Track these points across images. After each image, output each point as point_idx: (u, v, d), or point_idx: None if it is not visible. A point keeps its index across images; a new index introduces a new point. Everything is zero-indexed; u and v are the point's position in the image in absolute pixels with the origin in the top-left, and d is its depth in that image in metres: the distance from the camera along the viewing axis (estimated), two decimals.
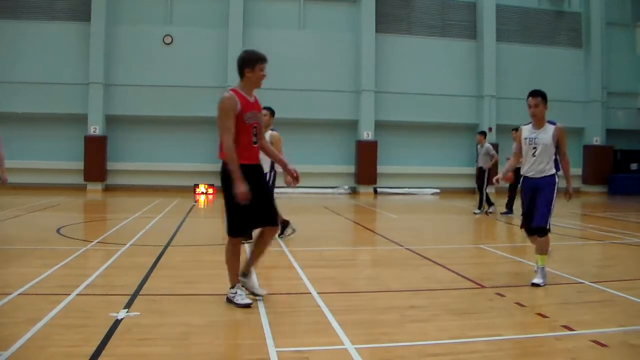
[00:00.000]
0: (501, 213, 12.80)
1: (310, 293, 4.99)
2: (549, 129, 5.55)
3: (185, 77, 20.51)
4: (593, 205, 17.33)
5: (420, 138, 22.43)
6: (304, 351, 3.51)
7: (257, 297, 4.64)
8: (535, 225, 5.46)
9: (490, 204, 13.15)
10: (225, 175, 4.40)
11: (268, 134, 7.74)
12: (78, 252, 7.01)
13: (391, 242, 8.52)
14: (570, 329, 3.97)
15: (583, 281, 5.62)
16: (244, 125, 4.43)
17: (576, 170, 23.23)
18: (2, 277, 5.51)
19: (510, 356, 3.47)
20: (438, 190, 21.89)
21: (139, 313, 4.22)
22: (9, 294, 4.68)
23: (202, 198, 18.28)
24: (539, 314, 4.36)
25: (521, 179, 5.76)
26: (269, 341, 3.63)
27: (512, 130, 13.93)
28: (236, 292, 4.52)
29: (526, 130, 5.72)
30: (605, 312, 4.51)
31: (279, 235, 7.93)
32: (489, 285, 5.43)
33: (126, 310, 4.27)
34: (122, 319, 4.04)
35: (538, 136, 5.56)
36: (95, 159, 19.99)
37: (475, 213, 13.01)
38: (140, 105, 20.45)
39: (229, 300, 4.53)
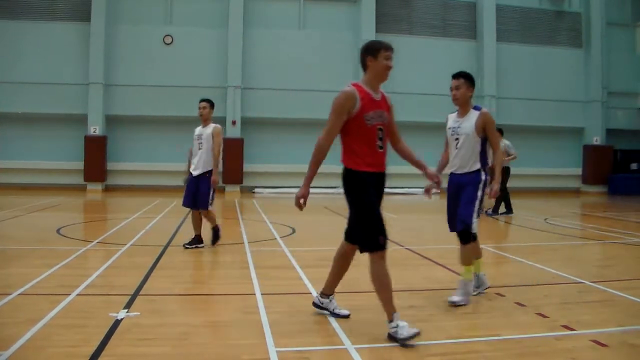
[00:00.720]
0: (500, 213, 12.80)
1: (310, 293, 4.99)
2: (472, 116, 4.81)
3: (185, 77, 20.51)
4: (593, 205, 17.33)
5: (421, 138, 22.32)
6: (304, 351, 3.51)
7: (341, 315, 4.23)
8: (458, 229, 4.79)
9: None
10: (350, 182, 3.89)
11: (211, 127, 7.41)
12: (78, 252, 7.01)
13: (391, 242, 8.49)
14: (570, 329, 3.97)
15: (583, 281, 5.62)
16: (365, 127, 3.82)
17: (576, 170, 23.24)
18: (2, 277, 5.51)
19: (510, 356, 3.46)
20: (438, 191, 21.86)
21: (138, 313, 4.22)
22: (9, 294, 4.68)
23: None
24: (539, 314, 4.36)
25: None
26: (269, 341, 3.63)
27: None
28: (397, 325, 3.67)
29: (450, 119, 5.05)
30: (605, 312, 4.51)
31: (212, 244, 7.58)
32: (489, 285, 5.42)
33: (126, 310, 4.27)
34: (122, 319, 4.04)
35: (461, 125, 4.87)
36: (95, 159, 19.98)
37: (503, 214, 12.94)
38: (140, 105, 20.45)
39: (392, 338, 3.68)
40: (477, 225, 4.75)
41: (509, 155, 12.81)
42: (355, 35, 21.77)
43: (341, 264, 4.24)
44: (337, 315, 4.19)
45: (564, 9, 23.52)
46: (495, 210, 12.74)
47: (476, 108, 4.87)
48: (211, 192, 7.35)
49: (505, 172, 13.00)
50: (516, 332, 3.91)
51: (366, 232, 3.83)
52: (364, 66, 3.93)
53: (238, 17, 20.83)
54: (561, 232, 9.94)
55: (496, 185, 4.82)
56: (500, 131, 13.40)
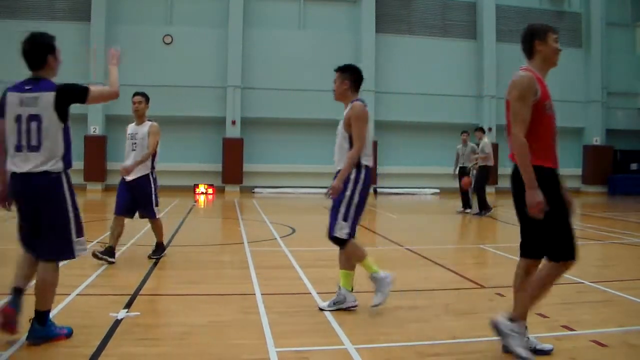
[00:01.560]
0: (476, 213, 12.60)
1: (310, 293, 4.99)
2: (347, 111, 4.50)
3: (185, 77, 20.51)
4: (593, 205, 17.33)
5: (420, 138, 22.44)
6: (304, 351, 3.51)
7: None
8: (330, 236, 4.48)
9: (469, 205, 13.11)
10: (520, 182, 3.36)
11: (147, 125, 6.57)
12: None
13: (391, 242, 8.53)
14: (570, 329, 3.97)
15: (583, 281, 5.61)
16: (545, 116, 3.40)
17: (576, 170, 23.23)
18: (2, 277, 5.50)
19: (510, 356, 3.46)
20: (438, 190, 21.89)
21: (139, 313, 4.22)
22: (9, 294, 4.67)
23: (202, 198, 18.28)
24: (539, 314, 4.35)
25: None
26: (269, 341, 3.63)
27: (462, 132, 13.71)
28: (514, 331, 3.37)
29: None
30: (605, 312, 4.51)
31: (152, 256, 6.66)
32: (489, 285, 5.43)
33: (126, 310, 4.27)
34: (122, 319, 4.04)
35: (340, 122, 4.59)
36: (95, 158, 20.00)
37: (475, 214, 12.93)
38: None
39: (497, 330, 3.44)
40: (348, 227, 4.38)
41: (484, 153, 12.53)
42: (355, 35, 21.79)
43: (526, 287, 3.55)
44: (541, 352, 3.46)
45: (564, 9, 23.52)
46: (481, 208, 12.44)
47: (357, 101, 4.50)
48: (154, 196, 6.55)
49: (485, 170, 12.62)
50: None
51: (560, 238, 3.36)
52: (531, 51, 3.53)
53: (238, 17, 20.84)
54: None
55: (336, 182, 4.29)
56: (482, 130, 13.26)
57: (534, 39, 3.51)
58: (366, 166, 4.41)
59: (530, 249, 3.54)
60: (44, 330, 3.51)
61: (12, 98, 3.69)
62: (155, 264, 6.30)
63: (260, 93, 21.06)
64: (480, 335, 3.85)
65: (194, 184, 20.10)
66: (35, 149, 3.53)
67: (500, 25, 22.67)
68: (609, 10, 23.50)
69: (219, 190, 20.43)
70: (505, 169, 22.46)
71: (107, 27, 20.14)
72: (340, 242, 4.44)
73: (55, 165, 3.56)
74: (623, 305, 4.74)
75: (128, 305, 4.41)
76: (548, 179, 3.36)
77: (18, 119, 3.59)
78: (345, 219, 4.37)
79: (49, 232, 3.59)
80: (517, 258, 6.92)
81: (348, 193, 4.35)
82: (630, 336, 3.84)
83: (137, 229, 9.23)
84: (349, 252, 4.48)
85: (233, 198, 18.32)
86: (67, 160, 3.64)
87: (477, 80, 22.58)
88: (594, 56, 23.12)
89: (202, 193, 19.63)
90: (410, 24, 22.58)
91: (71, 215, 3.62)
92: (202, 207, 15.56)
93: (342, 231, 4.38)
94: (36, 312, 3.52)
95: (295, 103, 20.91)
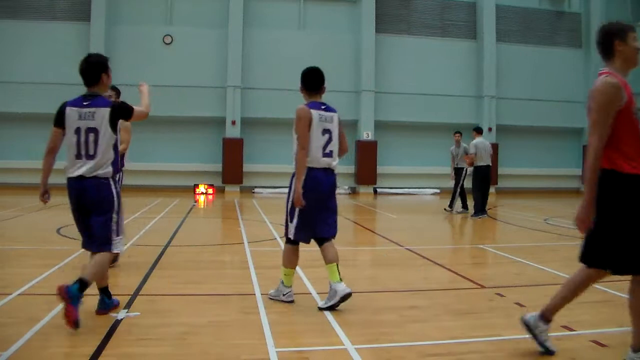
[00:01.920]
0: (471, 215, 12.34)
1: (310, 293, 4.99)
2: None
3: (185, 77, 20.52)
4: None
5: (420, 138, 22.44)
6: (304, 351, 3.51)
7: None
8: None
9: (465, 206, 13.05)
10: (614, 187, 3.22)
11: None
12: (78, 252, 6.99)
13: (391, 242, 8.52)
14: (570, 329, 3.97)
15: None
16: (632, 121, 3.20)
17: (576, 170, 23.23)
18: (2, 277, 5.51)
19: (510, 356, 3.46)
20: (438, 190, 21.89)
21: (139, 313, 4.22)
22: (9, 294, 4.68)
23: (202, 198, 18.29)
24: None
25: None
26: (269, 341, 3.63)
27: (455, 133, 13.58)
28: None
29: None
30: (605, 312, 4.51)
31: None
32: (489, 285, 5.43)
33: (126, 310, 4.27)
34: (122, 319, 4.04)
35: None
36: None
37: (472, 216, 12.77)
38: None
39: None
40: (293, 228, 4.65)
41: (469, 154, 12.25)
42: (355, 36, 21.79)
43: (579, 292, 3.58)
44: (544, 348, 3.52)
45: (563, 9, 23.54)
46: (475, 209, 12.25)
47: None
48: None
49: (482, 171, 12.25)
50: (516, 332, 3.90)
51: (629, 251, 3.30)
52: (610, 53, 3.31)
53: (238, 17, 20.84)
54: (561, 232, 9.93)
55: (295, 195, 4.45)
56: (477, 130, 12.83)
57: (613, 39, 3.30)
58: (310, 168, 4.48)
59: (595, 259, 3.48)
60: (112, 304, 4.27)
61: (72, 113, 4.13)
62: (155, 264, 6.30)
63: (260, 93, 21.07)
64: (480, 335, 3.85)
65: (194, 184, 20.10)
66: (92, 157, 4.03)
67: (500, 25, 22.68)
68: (609, 10, 23.51)
69: (219, 190, 20.43)
70: (505, 169, 22.56)
71: (107, 27, 20.15)
72: (287, 241, 4.73)
73: (106, 170, 4.04)
74: (623, 305, 4.70)
75: (128, 306, 4.41)
76: (630, 186, 3.22)
77: (77, 131, 4.06)
78: (291, 221, 4.63)
79: (95, 230, 4.10)
80: (518, 258, 6.88)
81: (290, 196, 4.56)
82: (630, 336, 3.83)
83: (137, 229, 9.24)
84: (283, 252, 4.76)
85: (233, 198, 18.32)
86: (115, 166, 4.12)
87: (477, 80, 22.58)
88: (594, 56, 23.10)
89: (202, 193, 19.64)
90: (410, 24, 22.59)
91: (114, 216, 4.09)
92: (202, 207, 15.56)
93: (288, 231, 4.67)
94: (100, 289, 4.22)
95: (295, 103, 20.57)
